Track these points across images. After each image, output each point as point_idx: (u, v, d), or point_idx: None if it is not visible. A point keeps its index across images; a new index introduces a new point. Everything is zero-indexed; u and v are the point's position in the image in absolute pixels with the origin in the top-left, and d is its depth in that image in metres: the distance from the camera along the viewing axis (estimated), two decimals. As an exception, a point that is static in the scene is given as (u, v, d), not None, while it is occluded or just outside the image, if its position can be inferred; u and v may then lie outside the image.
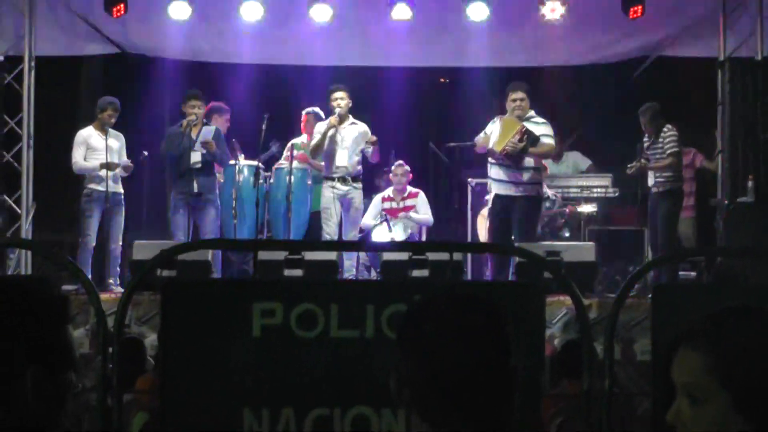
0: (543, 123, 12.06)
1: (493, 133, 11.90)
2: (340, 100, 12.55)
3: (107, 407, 4.62)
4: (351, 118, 12.72)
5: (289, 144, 13.50)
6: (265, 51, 14.63)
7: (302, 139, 13.59)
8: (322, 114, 13.31)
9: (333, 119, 12.51)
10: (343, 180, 12.57)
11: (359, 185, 12.73)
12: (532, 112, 12.08)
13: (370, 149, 12.60)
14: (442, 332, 2.42)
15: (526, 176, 11.99)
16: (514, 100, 11.96)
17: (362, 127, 12.74)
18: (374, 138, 12.58)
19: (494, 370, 2.42)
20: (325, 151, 12.60)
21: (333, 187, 12.57)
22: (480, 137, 12.19)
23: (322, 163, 12.82)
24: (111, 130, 12.62)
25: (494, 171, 11.98)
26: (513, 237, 11.97)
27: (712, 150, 13.90)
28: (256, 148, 13.04)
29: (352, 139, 12.61)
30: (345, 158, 12.56)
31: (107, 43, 14.35)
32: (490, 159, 12.03)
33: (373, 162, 12.94)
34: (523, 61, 14.94)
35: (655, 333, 4.97)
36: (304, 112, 13.72)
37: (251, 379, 4.64)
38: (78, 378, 2.57)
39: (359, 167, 12.73)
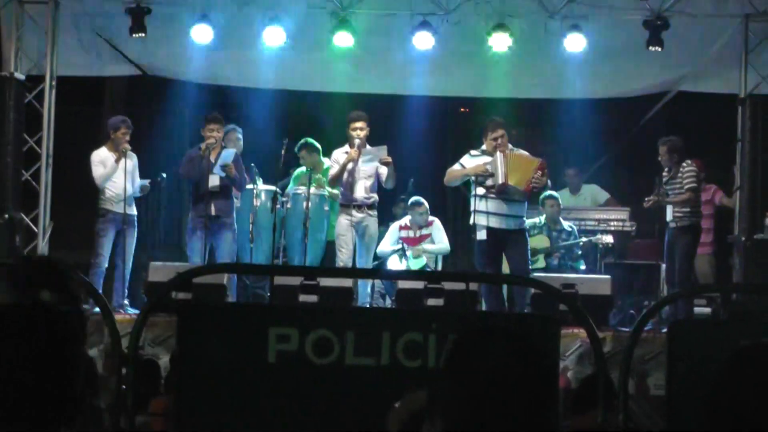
0: (527, 155, 12.05)
1: (497, 169, 11.72)
2: (360, 130, 12.40)
3: (120, 429, 4.62)
4: (367, 146, 12.53)
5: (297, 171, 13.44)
6: (286, 76, 14.66)
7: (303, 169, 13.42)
8: (317, 144, 13.27)
9: (353, 153, 12.35)
10: (358, 207, 12.47)
11: (375, 212, 12.58)
12: (510, 146, 12.05)
13: (384, 170, 12.38)
14: (495, 367, 2.49)
15: (522, 209, 11.96)
16: (495, 138, 11.87)
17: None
18: (389, 158, 12.31)
19: (541, 412, 2.46)
20: (342, 181, 12.52)
21: (349, 214, 12.46)
22: (456, 168, 12.04)
23: (337, 191, 12.76)
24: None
25: (492, 204, 11.76)
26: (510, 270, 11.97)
27: (731, 187, 13.88)
28: (275, 173, 13.04)
29: (367, 167, 12.47)
30: (362, 190, 12.45)
31: (129, 65, 14.39)
32: (478, 192, 11.84)
33: (388, 188, 12.67)
34: (543, 92, 14.97)
35: (670, 369, 4.95)
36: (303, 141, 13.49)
37: (266, 404, 4.63)
38: (92, 399, 2.59)
39: (375, 196, 12.59)
